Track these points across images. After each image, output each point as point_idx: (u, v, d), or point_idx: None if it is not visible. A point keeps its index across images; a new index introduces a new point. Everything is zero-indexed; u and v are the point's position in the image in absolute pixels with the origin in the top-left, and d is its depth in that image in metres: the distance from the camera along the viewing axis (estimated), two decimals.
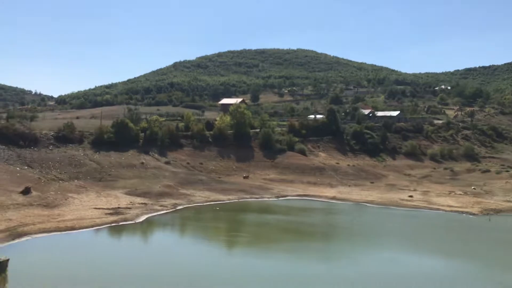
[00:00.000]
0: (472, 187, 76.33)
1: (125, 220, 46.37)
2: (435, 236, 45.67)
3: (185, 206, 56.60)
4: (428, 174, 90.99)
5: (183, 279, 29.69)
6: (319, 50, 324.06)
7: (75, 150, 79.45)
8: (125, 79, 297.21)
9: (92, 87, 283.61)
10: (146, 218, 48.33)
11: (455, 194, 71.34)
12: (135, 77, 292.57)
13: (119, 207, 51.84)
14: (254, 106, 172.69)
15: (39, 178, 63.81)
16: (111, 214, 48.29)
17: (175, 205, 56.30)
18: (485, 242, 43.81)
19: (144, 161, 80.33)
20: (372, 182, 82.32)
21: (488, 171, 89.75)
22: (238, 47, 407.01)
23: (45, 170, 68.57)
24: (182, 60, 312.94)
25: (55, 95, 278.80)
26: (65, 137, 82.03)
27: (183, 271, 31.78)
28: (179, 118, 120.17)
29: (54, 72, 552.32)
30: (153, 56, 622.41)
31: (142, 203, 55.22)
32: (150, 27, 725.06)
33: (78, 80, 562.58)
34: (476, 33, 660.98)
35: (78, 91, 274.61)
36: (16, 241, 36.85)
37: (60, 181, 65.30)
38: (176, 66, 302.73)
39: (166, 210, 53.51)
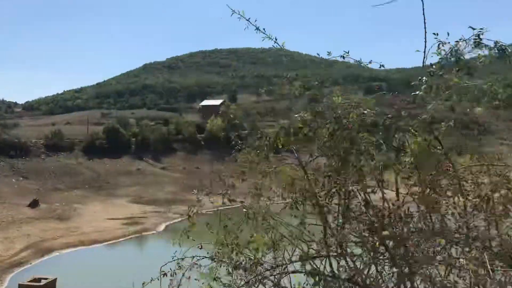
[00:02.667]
0: None
1: (146, 230, 45.09)
2: None
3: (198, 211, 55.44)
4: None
5: None
6: (291, 49, 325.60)
7: (67, 159, 76.94)
8: (94, 82, 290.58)
9: (61, 91, 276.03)
10: (166, 227, 47.13)
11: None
12: (104, 80, 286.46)
13: (133, 217, 50.43)
14: (226, 107, 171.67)
15: (38, 189, 61.48)
16: (128, 224, 46.87)
17: (187, 211, 55.04)
18: None
19: (140, 167, 78.56)
20: None
21: None
22: (210, 47, 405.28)
23: (41, 180, 66.11)
24: (152, 61, 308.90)
25: (20, 101, 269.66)
26: (56, 145, 79.32)
27: None
28: (160, 121, 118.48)
29: (18, 77, 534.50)
30: (121, 58, 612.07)
31: (154, 212, 53.88)
32: (116, 27, 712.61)
33: (44, 85, 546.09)
34: (441, 29, 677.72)
35: (46, 97, 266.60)
36: (46, 257, 35.23)
37: (59, 192, 63.13)
38: (147, 67, 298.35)
39: (181, 218, 52.28)
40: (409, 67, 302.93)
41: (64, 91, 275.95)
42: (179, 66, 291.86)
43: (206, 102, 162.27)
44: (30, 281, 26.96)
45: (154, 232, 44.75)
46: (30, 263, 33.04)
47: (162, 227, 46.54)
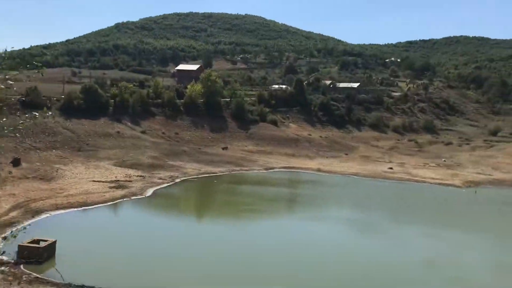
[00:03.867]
0: (443, 159, 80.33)
1: (134, 194, 44.62)
2: (449, 211, 47.61)
3: (182, 178, 55.22)
4: (395, 146, 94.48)
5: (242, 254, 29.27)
6: (267, 17, 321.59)
7: (44, 117, 74.53)
8: (64, 39, 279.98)
9: (27, 46, 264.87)
10: (153, 192, 46.82)
11: (430, 166, 74.85)
12: (74, 38, 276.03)
13: (118, 180, 49.78)
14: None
15: (15, 147, 59.67)
16: (115, 187, 46.25)
17: (172, 177, 54.79)
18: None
19: (119, 130, 77.08)
20: (346, 154, 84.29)
21: (450, 143, 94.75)
22: (184, 10, 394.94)
23: (18, 138, 63.94)
24: (124, 21, 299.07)
25: None
26: (32, 102, 76.57)
27: (232, 244, 31.32)
28: (135, 83, 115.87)
29: None
30: (92, 16, 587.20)
31: (139, 176, 53.30)
32: None
33: (8, 38, 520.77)
34: (416, 8, 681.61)
35: (12, 50, 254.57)
36: (37, 218, 34.48)
37: (38, 151, 61.48)
38: (119, 27, 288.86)
39: (167, 183, 51.99)
40: (382, 43, 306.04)
41: (31, 46, 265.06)
42: (152, 27, 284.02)
43: (181, 67, 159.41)
44: (30, 242, 26.44)
45: (143, 196, 44.37)
46: (22, 224, 32.27)
47: (149, 192, 46.18)
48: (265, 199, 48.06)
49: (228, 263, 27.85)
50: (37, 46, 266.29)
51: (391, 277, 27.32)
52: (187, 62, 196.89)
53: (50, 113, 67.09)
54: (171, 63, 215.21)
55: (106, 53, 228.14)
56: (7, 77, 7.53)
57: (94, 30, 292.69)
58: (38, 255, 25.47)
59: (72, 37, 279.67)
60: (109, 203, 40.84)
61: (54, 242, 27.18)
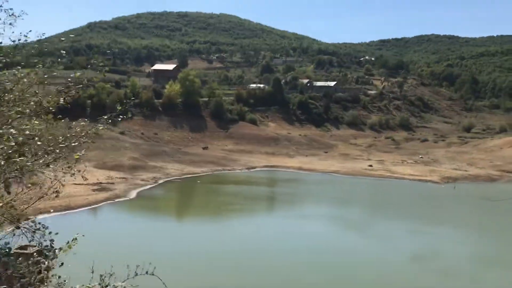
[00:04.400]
0: (420, 156, 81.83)
1: (118, 196, 44.19)
2: (431, 207, 48.48)
3: (164, 180, 54.94)
4: (372, 143, 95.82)
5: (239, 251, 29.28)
6: (242, 16, 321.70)
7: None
8: (34, 39, 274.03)
9: None
10: (137, 194, 46.40)
11: (407, 163, 76.18)
12: (46, 37, 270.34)
13: (100, 182, 49.10)
14: (179, 72, 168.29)
15: None
16: (98, 190, 45.65)
17: (155, 178, 54.42)
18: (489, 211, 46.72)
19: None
20: (326, 152, 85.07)
21: (426, 140, 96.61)
22: (158, 9, 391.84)
23: None
24: (97, 20, 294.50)
25: None
26: None
27: (218, 245, 31.30)
28: (111, 83, 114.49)
29: None
30: (64, 14, 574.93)
31: (121, 178, 52.71)
32: None
33: None
34: (388, 7, 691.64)
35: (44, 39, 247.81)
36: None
37: None
38: (92, 26, 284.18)
39: (150, 184, 51.66)
40: (356, 42, 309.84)
41: None
42: (126, 26, 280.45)
43: (158, 66, 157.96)
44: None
45: (127, 198, 43.95)
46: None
47: (133, 194, 45.78)
48: (249, 199, 48.28)
49: (216, 262, 27.85)
50: (5, 45, 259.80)
51: (378, 273, 27.75)
52: (162, 62, 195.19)
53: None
54: (146, 63, 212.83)
55: (79, 53, 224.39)
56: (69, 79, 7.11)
57: (66, 30, 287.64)
58: None
59: (43, 37, 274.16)
60: (93, 206, 40.30)
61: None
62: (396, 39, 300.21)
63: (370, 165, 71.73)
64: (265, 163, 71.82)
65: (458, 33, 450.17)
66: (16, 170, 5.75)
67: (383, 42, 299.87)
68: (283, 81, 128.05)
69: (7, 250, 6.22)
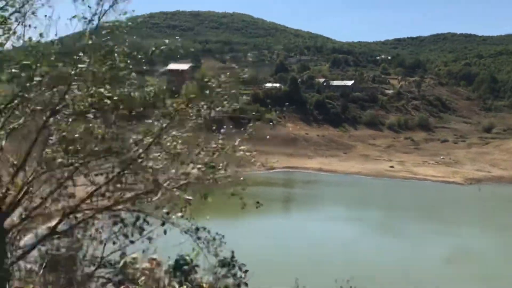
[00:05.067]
0: (441, 157, 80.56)
1: None
2: (459, 209, 47.43)
3: (182, 182, 54.39)
4: (392, 144, 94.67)
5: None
6: (255, 15, 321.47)
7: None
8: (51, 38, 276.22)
9: None
10: None
11: (429, 164, 75.02)
12: (59, 37, 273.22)
13: None
14: (194, 72, 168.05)
15: None
16: None
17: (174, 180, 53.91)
18: None
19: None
20: (345, 153, 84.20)
21: (446, 140, 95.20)
22: (171, 8, 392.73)
23: None
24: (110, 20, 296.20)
25: None
26: None
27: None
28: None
29: None
30: (73, 14, 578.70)
31: None
32: None
33: None
34: (403, 4, 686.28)
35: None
36: None
37: None
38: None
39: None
40: (371, 41, 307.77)
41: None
42: (138, 26, 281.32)
43: (172, 66, 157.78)
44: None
45: None
46: None
47: None
48: (276, 200, 47.48)
49: None
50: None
51: (411, 275, 26.98)
52: (175, 61, 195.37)
53: None
54: (159, 62, 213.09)
55: None
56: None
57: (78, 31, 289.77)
58: None
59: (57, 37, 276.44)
60: None
61: None
62: (412, 38, 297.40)
63: (391, 166, 70.76)
64: (284, 164, 71.01)
65: (475, 31, 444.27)
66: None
67: (398, 40, 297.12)
68: (299, 80, 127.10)
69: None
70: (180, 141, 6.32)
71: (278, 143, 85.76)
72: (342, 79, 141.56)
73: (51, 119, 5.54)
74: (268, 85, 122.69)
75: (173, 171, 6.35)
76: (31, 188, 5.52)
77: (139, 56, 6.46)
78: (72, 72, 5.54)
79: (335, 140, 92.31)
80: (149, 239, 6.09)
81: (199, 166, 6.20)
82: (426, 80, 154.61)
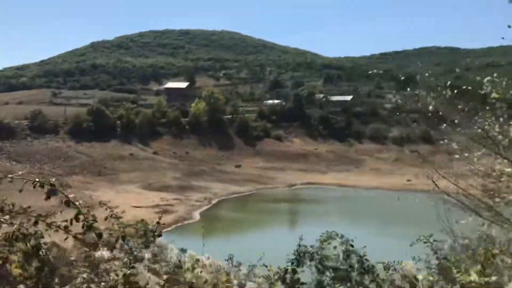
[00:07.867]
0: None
1: (184, 218, 43.80)
2: None
3: (217, 199, 54.60)
4: (399, 157, 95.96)
5: None
6: (243, 32, 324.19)
7: (55, 141, 72.69)
8: (37, 60, 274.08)
9: (0, 68, 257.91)
10: (200, 215, 46.03)
11: (443, 176, 76.20)
12: (49, 58, 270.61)
13: (158, 205, 48.79)
14: (192, 90, 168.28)
15: (34, 174, 57.76)
16: (160, 212, 45.15)
17: (207, 199, 54.08)
18: None
19: (132, 152, 75.73)
20: (356, 167, 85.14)
21: (452, 153, 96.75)
22: (160, 27, 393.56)
23: (36, 165, 62.16)
24: (100, 40, 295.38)
25: None
26: (41, 126, 74.57)
27: None
28: (129, 103, 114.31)
29: None
30: (66, 35, 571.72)
31: (175, 199, 52.33)
32: (60, 1, 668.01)
33: None
34: (386, 19, 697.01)
35: None
36: None
37: (59, 177, 59.60)
38: (95, 46, 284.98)
39: (205, 205, 51.28)
40: (357, 55, 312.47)
41: (3, 68, 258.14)
42: (129, 45, 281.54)
43: (170, 84, 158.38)
44: None
45: (194, 220, 43.56)
46: None
47: (197, 216, 45.39)
48: (313, 215, 47.81)
49: None
50: (10, 67, 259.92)
51: None
52: (168, 80, 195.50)
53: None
54: (152, 81, 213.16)
55: (84, 72, 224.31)
56: None
57: (68, 50, 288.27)
58: None
59: (47, 57, 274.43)
60: (166, 229, 39.82)
61: None
62: (396, 52, 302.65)
63: (409, 180, 71.62)
64: (302, 180, 71.65)
65: (457, 45, 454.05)
66: None
67: (384, 55, 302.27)
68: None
69: None
70: None
71: (289, 159, 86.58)
72: (338, 94, 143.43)
73: None
74: (269, 101, 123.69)
75: None
76: None
77: None
78: None
79: (344, 155, 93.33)
80: None
81: None
82: (420, 93, 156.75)
